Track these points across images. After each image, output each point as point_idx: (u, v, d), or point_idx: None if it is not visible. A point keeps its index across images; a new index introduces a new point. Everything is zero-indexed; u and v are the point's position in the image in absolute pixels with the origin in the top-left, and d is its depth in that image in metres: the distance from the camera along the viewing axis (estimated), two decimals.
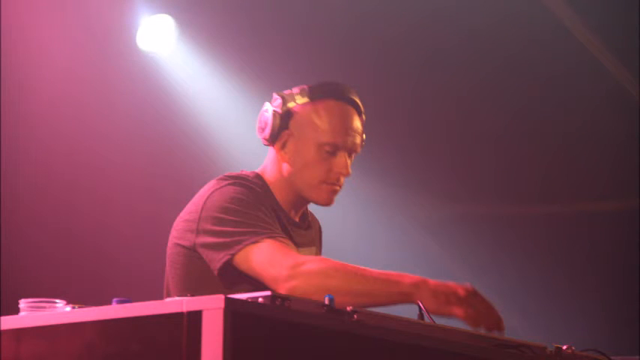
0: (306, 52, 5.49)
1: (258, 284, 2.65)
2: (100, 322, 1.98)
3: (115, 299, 2.03)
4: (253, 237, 2.69)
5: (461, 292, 2.54)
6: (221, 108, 5.58)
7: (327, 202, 2.93)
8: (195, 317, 1.87)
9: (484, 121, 5.86)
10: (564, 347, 2.43)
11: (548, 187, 6.10)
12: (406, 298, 2.56)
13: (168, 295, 2.82)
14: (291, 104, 2.92)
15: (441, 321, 2.42)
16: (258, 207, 2.77)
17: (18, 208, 4.98)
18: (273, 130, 2.90)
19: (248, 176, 2.88)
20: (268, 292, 1.95)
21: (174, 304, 1.90)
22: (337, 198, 2.95)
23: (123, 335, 1.95)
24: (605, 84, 5.56)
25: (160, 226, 3.30)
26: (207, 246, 2.73)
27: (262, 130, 2.93)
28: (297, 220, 2.96)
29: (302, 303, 2.00)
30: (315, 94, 2.92)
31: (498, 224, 6.21)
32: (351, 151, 2.93)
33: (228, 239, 2.70)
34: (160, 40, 5.32)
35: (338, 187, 2.93)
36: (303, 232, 2.96)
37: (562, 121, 5.79)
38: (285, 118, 2.91)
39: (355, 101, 2.95)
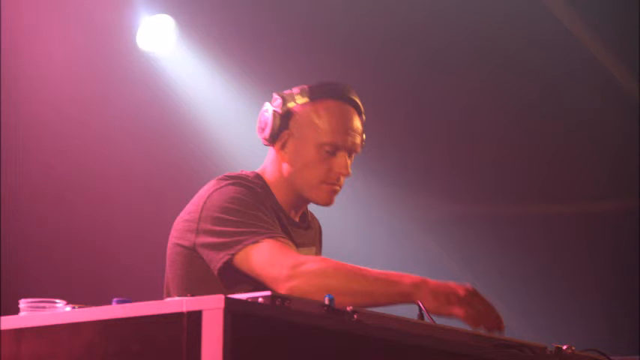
0: (306, 52, 5.49)
1: (258, 284, 2.65)
2: (100, 322, 1.98)
3: (115, 299, 2.03)
4: (253, 237, 2.69)
5: (461, 292, 2.54)
6: (221, 108, 5.58)
7: (327, 202, 2.93)
8: (195, 317, 1.87)
9: (484, 121, 5.86)
10: (564, 347, 2.43)
11: (548, 187, 6.10)
12: (406, 298, 2.56)
13: (169, 295, 2.82)
14: (291, 104, 2.92)
15: (441, 321, 2.43)
16: (258, 207, 2.77)
17: (18, 207, 4.98)
18: (273, 130, 2.91)
19: (248, 176, 2.89)
20: (268, 292, 1.95)
21: (174, 304, 1.90)
22: (337, 198, 2.95)
23: (123, 335, 1.95)
24: (605, 84, 5.56)
25: (160, 226, 3.30)
26: (207, 246, 2.73)
27: (262, 130, 2.93)
28: (297, 220, 2.96)
29: (302, 303, 2.00)
30: (315, 94, 2.92)
31: (498, 224, 6.20)
32: (351, 151, 2.93)
33: (228, 239, 2.70)
34: (160, 40, 5.32)
35: (338, 187, 2.93)
36: (303, 232, 2.96)
37: (562, 121, 5.79)
38: (285, 118, 2.91)
39: (355, 101, 2.95)
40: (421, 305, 2.46)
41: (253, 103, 4.24)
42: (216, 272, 2.71)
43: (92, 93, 5.20)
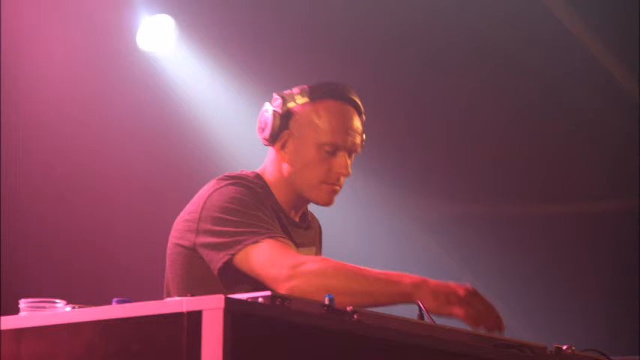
0: (306, 52, 5.49)
1: (258, 284, 2.65)
2: (100, 322, 1.98)
3: (115, 299, 2.03)
4: (253, 237, 2.69)
5: (461, 292, 2.54)
6: (221, 108, 5.58)
7: (327, 202, 2.93)
8: (195, 317, 1.87)
9: (484, 121, 5.86)
10: (564, 347, 2.43)
11: (548, 187, 6.10)
12: (406, 298, 2.56)
13: (169, 295, 2.82)
14: (291, 104, 2.92)
15: (441, 321, 2.43)
16: (258, 207, 2.78)
17: (18, 207, 4.99)
18: (273, 130, 2.91)
19: (248, 176, 2.89)
20: (268, 292, 1.95)
21: (174, 304, 1.90)
22: (337, 198, 2.95)
23: (123, 335, 1.95)
24: (605, 84, 5.56)
25: (160, 226, 3.31)
26: (207, 246, 2.73)
27: (262, 130, 2.93)
28: (297, 220, 2.96)
29: (302, 303, 2.00)
30: (315, 94, 2.92)
31: (498, 224, 6.20)
32: (351, 151, 2.93)
33: (228, 239, 2.70)
34: (160, 40, 5.32)
35: (338, 187, 2.93)
36: (303, 232, 2.96)
37: (562, 121, 5.79)
38: (285, 118, 2.91)
39: (355, 101, 2.95)
40: (421, 305, 2.46)
41: (253, 103, 4.24)
42: (216, 272, 2.71)
43: (92, 93, 5.20)
